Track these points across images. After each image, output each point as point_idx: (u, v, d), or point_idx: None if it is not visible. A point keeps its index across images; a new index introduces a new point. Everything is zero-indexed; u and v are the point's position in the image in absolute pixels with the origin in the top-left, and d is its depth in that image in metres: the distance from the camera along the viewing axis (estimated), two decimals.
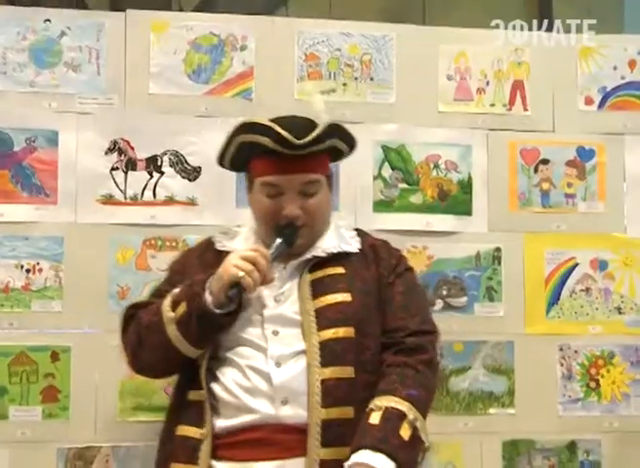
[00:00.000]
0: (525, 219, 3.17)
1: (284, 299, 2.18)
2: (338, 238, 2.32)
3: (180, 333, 2.09)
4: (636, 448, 3.04)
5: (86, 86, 2.96)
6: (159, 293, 2.31)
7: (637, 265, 3.20)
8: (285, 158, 2.17)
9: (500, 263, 3.12)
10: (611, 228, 3.21)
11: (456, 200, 3.14)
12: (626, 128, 3.23)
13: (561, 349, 3.12)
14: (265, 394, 2.05)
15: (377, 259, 2.32)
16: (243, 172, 2.39)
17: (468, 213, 3.14)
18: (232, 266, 2.06)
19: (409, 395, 2.05)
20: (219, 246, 2.34)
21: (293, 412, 2.04)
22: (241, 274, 2.04)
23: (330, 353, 2.07)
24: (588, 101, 3.22)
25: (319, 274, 2.21)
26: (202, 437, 2.05)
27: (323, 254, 2.25)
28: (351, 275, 2.23)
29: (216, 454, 2.06)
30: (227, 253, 2.20)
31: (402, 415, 2.02)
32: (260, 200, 2.24)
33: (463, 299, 3.09)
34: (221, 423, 2.07)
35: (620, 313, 3.17)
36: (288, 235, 2.18)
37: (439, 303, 3.08)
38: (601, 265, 3.18)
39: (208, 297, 2.08)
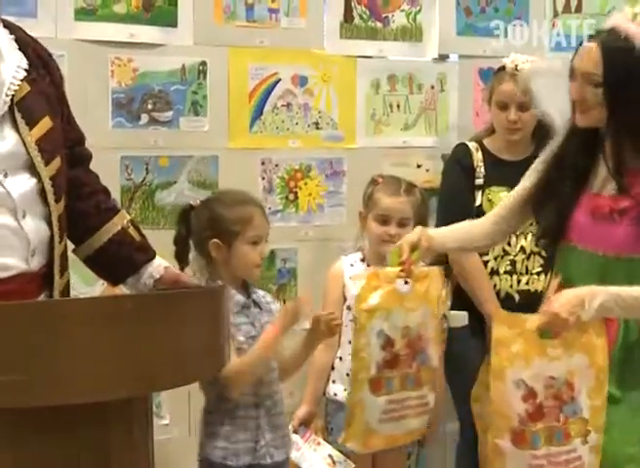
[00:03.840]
0: (230, 33, 3.15)
1: None
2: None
3: None
4: (328, 253, 3.19)
5: None
6: None
7: (334, 81, 3.31)
8: None
9: (205, 77, 3.10)
10: (310, 44, 3.28)
11: (161, 10, 3.04)
12: None
13: (263, 163, 3.21)
14: (16, 249, 1.84)
15: (49, 68, 2.01)
16: None
17: (174, 24, 3.06)
18: None
19: None
20: None
21: (39, 261, 1.90)
22: None
23: (58, 186, 1.92)
24: None
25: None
26: None
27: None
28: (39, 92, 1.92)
29: None
30: None
31: None
32: None
33: (169, 114, 3.06)
34: None
35: (317, 128, 3.29)
36: None
37: (144, 118, 3.03)
38: (301, 81, 3.27)
39: None
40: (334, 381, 2.85)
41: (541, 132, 2.95)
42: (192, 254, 2.51)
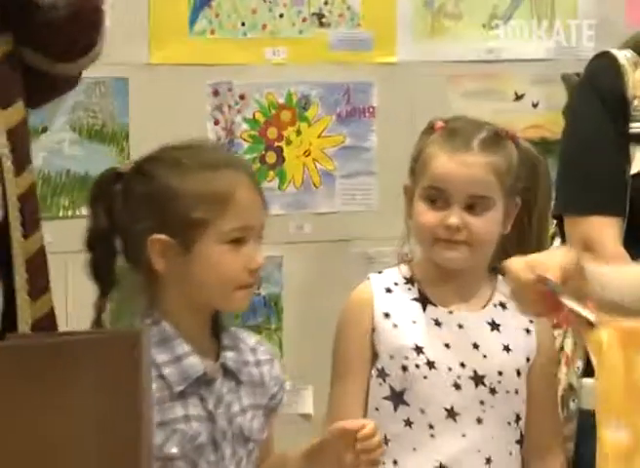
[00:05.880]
0: None
1: None
2: None
3: None
4: (339, 264, 2.39)
5: None
6: None
7: None
8: None
9: None
10: None
11: None
12: None
13: (215, 92, 2.31)
14: None
15: None
16: None
17: None
18: None
19: None
20: None
21: None
22: None
23: None
24: None
25: None
26: None
27: None
28: None
29: None
30: None
31: None
32: None
33: None
34: None
35: (321, 25, 2.38)
36: None
37: None
38: None
39: None
40: None
41: None
42: (121, 266, 1.72)
